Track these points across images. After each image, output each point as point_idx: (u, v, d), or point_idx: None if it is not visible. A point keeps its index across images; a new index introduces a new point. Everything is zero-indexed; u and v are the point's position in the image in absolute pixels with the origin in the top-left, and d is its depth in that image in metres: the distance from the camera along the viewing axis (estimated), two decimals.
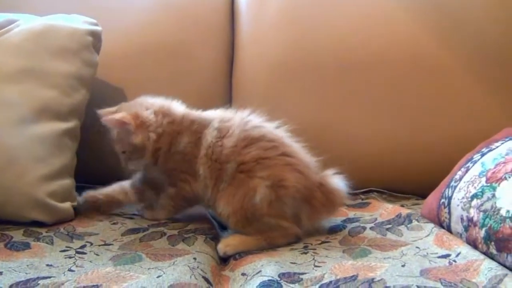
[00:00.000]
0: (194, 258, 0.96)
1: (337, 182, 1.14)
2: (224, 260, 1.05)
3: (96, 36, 1.36)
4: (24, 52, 1.26)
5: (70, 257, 0.99)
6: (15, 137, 1.17)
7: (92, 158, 1.40)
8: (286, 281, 0.88)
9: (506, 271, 0.87)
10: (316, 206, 1.11)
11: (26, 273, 0.90)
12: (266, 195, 1.06)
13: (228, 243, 1.07)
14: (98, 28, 1.38)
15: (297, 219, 1.10)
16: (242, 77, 1.56)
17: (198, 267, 0.93)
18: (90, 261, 0.97)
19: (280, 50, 1.54)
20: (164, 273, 0.90)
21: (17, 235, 1.08)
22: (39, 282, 0.87)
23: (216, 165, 1.12)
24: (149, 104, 1.20)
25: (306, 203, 1.10)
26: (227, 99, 1.55)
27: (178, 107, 1.23)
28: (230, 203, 1.09)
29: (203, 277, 0.90)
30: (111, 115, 1.16)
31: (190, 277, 0.88)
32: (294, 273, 0.92)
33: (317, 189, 1.12)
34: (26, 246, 1.03)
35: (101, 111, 1.19)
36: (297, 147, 1.15)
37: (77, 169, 1.28)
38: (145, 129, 1.15)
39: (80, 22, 1.35)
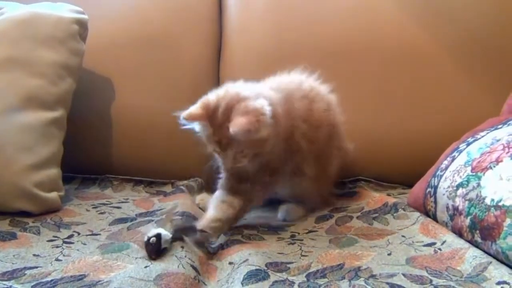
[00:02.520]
0: (182, 247, 0.96)
1: None
2: (212, 250, 1.05)
3: (82, 25, 1.35)
4: (9, 41, 1.25)
5: (57, 247, 0.99)
6: (1, 126, 1.16)
7: (79, 147, 1.39)
8: (273, 270, 0.89)
9: (490, 259, 0.88)
10: None
11: (12, 263, 0.90)
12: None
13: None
14: (85, 16, 1.37)
15: None
16: (230, 66, 1.56)
17: (185, 256, 0.93)
18: (77, 250, 0.97)
19: (268, 39, 1.54)
20: (151, 263, 0.90)
21: (3, 225, 1.08)
22: (25, 272, 0.87)
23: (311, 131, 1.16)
24: (252, 93, 1.08)
25: None
26: (215, 88, 1.54)
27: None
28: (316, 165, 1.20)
29: (191, 265, 0.90)
30: (234, 124, 1.00)
31: (178, 266, 0.88)
32: (281, 263, 0.92)
33: None
34: (13, 236, 1.03)
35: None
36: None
37: (63, 159, 1.28)
38: (265, 121, 1.03)
39: (66, 11, 1.34)
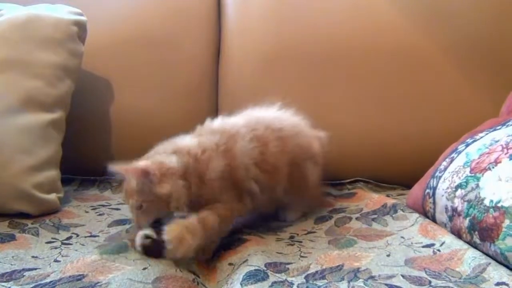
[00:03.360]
0: None
1: None
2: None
3: (81, 26, 1.35)
4: (8, 42, 1.25)
5: (55, 248, 0.98)
6: (0, 128, 1.16)
7: (78, 149, 1.39)
8: (272, 271, 0.89)
9: (489, 260, 0.88)
10: None
11: (11, 265, 0.90)
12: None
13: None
14: (83, 18, 1.37)
15: None
16: (228, 67, 1.56)
17: (183, 260, 0.93)
18: (76, 250, 0.97)
19: (267, 41, 1.54)
20: (150, 265, 0.90)
21: (2, 226, 1.08)
22: (24, 273, 0.87)
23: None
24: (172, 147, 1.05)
25: None
26: (214, 90, 1.55)
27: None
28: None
29: (188, 269, 0.90)
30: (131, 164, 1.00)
31: (176, 270, 0.88)
32: (281, 263, 0.92)
33: None
34: (12, 237, 1.03)
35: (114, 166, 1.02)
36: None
37: (62, 160, 1.27)
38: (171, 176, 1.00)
39: (65, 12, 1.34)
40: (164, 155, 1.03)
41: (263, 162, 1.08)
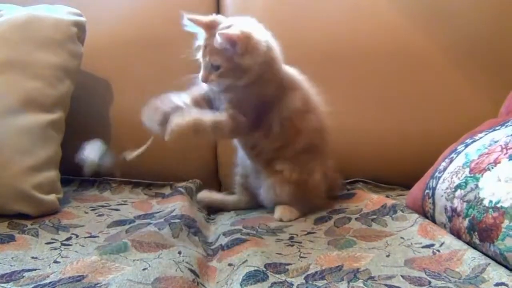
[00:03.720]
0: (179, 252, 0.96)
1: None
2: (212, 252, 1.05)
3: (80, 27, 1.35)
4: (8, 43, 1.25)
5: (55, 249, 0.98)
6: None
7: (77, 150, 1.39)
8: (272, 272, 0.89)
9: (488, 260, 0.88)
10: None
11: (10, 265, 0.90)
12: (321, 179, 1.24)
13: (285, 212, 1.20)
14: (83, 19, 1.37)
15: None
16: None
17: (183, 260, 0.93)
18: (76, 251, 0.97)
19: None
20: (149, 265, 0.90)
21: (2, 227, 1.08)
22: (24, 274, 0.87)
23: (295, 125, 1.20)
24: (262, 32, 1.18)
25: None
26: None
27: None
28: (293, 172, 1.21)
29: (189, 269, 0.90)
30: (221, 32, 1.10)
31: (176, 270, 0.88)
32: (280, 264, 0.92)
33: None
34: (11, 238, 1.02)
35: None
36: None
37: (62, 161, 1.27)
38: (255, 53, 1.13)
39: (64, 13, 1.34)
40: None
41: (298, 114, 1.20)
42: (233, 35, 1.08)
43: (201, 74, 1.16)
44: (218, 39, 1.08)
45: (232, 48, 1.09)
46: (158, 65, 1.52)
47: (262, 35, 1.15)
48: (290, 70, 1.23)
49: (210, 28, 1.14)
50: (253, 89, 1.16)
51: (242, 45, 1.09)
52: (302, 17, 1.54)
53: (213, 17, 1.17)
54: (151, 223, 1.11)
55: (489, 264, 0.86)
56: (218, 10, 1.62)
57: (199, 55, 1.16)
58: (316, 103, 1.23)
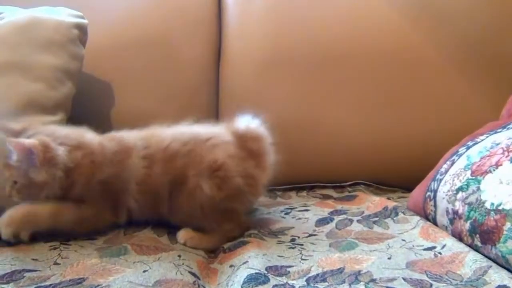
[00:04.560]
0: (179, 256, 0.96)
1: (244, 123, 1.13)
2: (212, 253, 1.05)
3: (82, 29, 1.35)
4: (9, 45, 1.24)
5: (55, 248, 0.98)
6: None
7: None
8: (273, 274, 0.88)
9: (490, 263, 0.88)
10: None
11: (11, 265, 0.90)
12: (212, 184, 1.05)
13: (191, 236, 1.06)
14: (84, 21, 1.37)
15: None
16: (229, 70, 1.56)
17: (183, 263, 0.93)
18: (75, 251, 0.97)
19: (267, 44, 1.54)
20: (150, 268, 0.90)
21: None
22: (24, 274, 0.87)
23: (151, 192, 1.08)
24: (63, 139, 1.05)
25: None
26: (214, 92, 1.55)
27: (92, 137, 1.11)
28: (183, 210, 1.07)
29: (189, 272, 0.90)
30: (18, 137, 1.01)
31: (176, 273, 0.88)
32: (281, 266, 0.92)
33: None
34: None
35: (9, 128, 1.06)
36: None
37: None
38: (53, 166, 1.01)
39: (66, 15, 1.34)
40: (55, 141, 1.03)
41: (145, 183, 1.08)
42: (27, 145, 0.99)
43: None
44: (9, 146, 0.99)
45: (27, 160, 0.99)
46: (159, 67, 1.52)
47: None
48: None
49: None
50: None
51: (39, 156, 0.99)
52: (302, 19, 1.54)
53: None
54: (149, 224, 1.12)
55: (490, 266, 0.86)
56: (219, 13, 1.63)
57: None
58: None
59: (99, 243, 1.03)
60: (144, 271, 0.88)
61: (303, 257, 0.97)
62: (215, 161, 1.06)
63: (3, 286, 0.83)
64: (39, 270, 0.89)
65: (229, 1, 1.62)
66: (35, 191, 1.02)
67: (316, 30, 1.52)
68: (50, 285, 0.83)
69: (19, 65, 1.23)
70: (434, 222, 1.10)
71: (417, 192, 1.20)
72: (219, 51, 1.60)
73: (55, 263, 0.92)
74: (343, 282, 0.85)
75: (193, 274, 0.90)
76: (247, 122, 1.13)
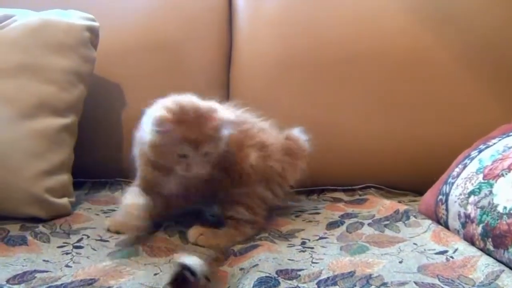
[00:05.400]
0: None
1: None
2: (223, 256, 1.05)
3: (93, 32, 1.36)
4: (21, 48, 1.25)
5: (67, 253, 0.98)
6: (12, 133, 1.17)
7: (89, 152, 1.40)
8: (284, 278, 0.88)
9: (502, 267, 0.87)
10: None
11: (22, 266, 0.90)
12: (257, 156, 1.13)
13: (202, 231, 1.09)
14: (96, 23, 1.37)
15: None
16: (239, 75, 1.56)
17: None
18: (87, 257, 0.97)
19: (277, 47, 1.54)
20: (161, 270, 0.90)
21: (14, 230, 1.08)
22: (36, 275, 0.87)
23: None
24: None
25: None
26: (225, 95, 1.55)
27: None
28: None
29: (200, 273, 0.90)
30: (221, 115, 1.02)
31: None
32: (292, 270, 0.92)
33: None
34: (23, 240, 1.03)
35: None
36: None
37: (74, 164, 1.28)
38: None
39: (77, 18, 1.35)
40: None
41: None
42: (233, 116, 1.05)
43: (191, 170, 1.02)
44: (221, 123, 1.02)
45: (232, 125, 1.05)
46: (170, 70, 1.52)
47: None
48: None
49: (180, 119, 1.00)
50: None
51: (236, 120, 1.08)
52: (312, 22, 1.54)
53: (164, 107, 1.02)
54: (161, 225, 1.12)
55: (503, 271, 0.86)
56: (230, 17, 1.63)
57: (180, 155, 1.01)
58: None
59: (111, 245, 1.03)
60: (155, 274, 0.88)
61: (313, 260, 0.96)
62: (264, 140, 1.15)
63: (14, 286, 0.83)
64: (50, 271, 0.89)
65: (239, 5, 1.62)
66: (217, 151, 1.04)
67: (326, 33, 1.52)
68: (61, 284, 0.84)
69: (31, 68, 1.24)
70: (446, 226, 1.09)
71: (429, 195, 1.20)
72: (229, 54, 1.60)
73: (67, 266, 0.92)
74: (354, 285, 0.85)
75: (205, 276, 0.90)
76: (293, 130, 1.26)
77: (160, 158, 1.03)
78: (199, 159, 1.01)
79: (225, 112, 1.04)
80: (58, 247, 1.02)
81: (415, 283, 0.84)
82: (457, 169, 1.14)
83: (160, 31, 1.56)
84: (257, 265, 0.92)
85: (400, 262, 0.93)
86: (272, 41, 1.55)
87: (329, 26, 1.53)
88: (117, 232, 1.09)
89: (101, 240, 1.06)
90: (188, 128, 0.99)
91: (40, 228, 1.10)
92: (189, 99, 1.04)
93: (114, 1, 1.61)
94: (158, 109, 1.01)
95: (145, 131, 1.02)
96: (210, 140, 1.01)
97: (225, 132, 1.03)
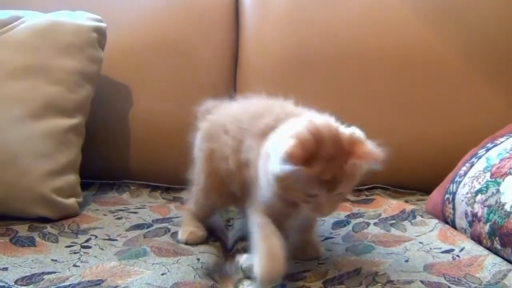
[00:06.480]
0: (198, 259, 0.96)
1: None
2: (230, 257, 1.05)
3: (100, 33, 1.37)
4: (29, 49, 1.26)
5: (75, 253, 0.99)
6: (20, 133, 1.18)
7: (97, 153, 1.40)
8: (289, 279, 0.88)
9: (510, 266, 0.87)
10: None
11: (31, 268, 0.91)
12: None
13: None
14: (103, 24, 1.38)
15: None
16: (246, 73, 1.56)
17: (202, 266, 0.93)
18: (95, 256, 0.97)
19: (284, 47, 1.54)
20: (168, 270, 0.90)
21: (23, 230, 1.09)
22: (44, 277, 0.88)
23: None
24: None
25: None
26: (232, 97, 1.55)
27: None
28: None
29: (207, 274, 0.91)
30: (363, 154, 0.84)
31: (194, 276, 0.89)
32: (298, 272, 0.91)
33: None
34: (32, 241, 1.04)
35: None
36: None
37: (82, 165, 1.29)
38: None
39: (85, 19, 1.36)
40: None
41: None
42: (375, 154, 0.86)
43: (323, 211, 0.86)
44: (364, 164, 0.85)
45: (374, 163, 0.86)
46: (177, 70, 1.52)
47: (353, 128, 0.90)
48: None
49: (316, 155, 0.80)
50: None
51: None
52: (319, 21, 1.54)
53: (298, 139, 0.80)
54: (169, 230, 1.13)
55: (510, 270, 0.86)
56: (236, 17, 1.63)
57: (312, 194, 0.83)
58: None
59: (119, 245, 1.04)
60: (163, 274, 0.88)
61: (319, 261, 0.96)
62: None
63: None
64: (58, 272, 0.90)
65: (246, 4, 1.63)
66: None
67: (333, 33, 1.52)
68: (69, 285, 0.84)
69: (39, 69, 1.24)
70: (453, 225, 1.09)
71: (436, 194, 1.19)
72: (236, 54, 1.60)
73: (75, 265, 0.93)
74: (360, 284, 0.85)
75: (212, 277, 0.90)
76: None
77: (286, 193, 0.84)
78: (331, 200, 0.84)
79: (369, 145, 0.86)
80: (66, 246, 1.02)
81: (421, 282, 0.84)
82: (464, 168, 1.13)
83: (166, 31, 1.56)
84: None
85: (406, 261, 0.93)
86: (279, 39, 1.55)
87: (336, 26, 1.53)
88: None
89: (109, 239, 1.07)
90: (324, 167, 0.80)
91: (49, 229, 1.11)
92: (327, 126, 0.85)
93: (121, 1, 1.61)
94: (289, 139, 0.81)
95: (270, 161, 0.83)
96: (348, 180, 0.83)
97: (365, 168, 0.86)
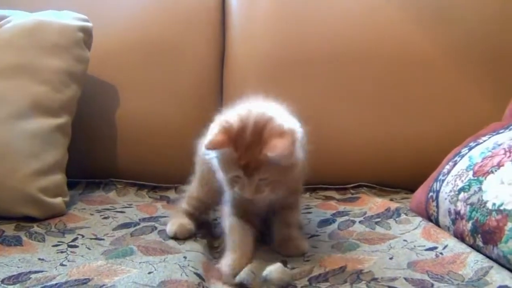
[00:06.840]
0: (185, 257, 0.97)
1: None
2: (218, 255, 1.06)
3: (87, 32, 1.37)
4: (15, 48, 1.26)
5: (62, 252, 0.99)
6: (6, 133, 1.17)
7: (84, 153, 1.40)
8: None
9: (491, 263, 0.88)
10: None
11: (18, 267, 0.91)
12: None
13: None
14: (89, 24, 1.38)
15: None
16: (233, 73, 1.57)
17: (188, 265, 0.93)
18: (82, 256, 0.97)
19: (271, 46, 1.55)
20: (155, 269, 0.90)
21: (9, 230, 1.09)
22: (30, 276, 0.88)
23: None
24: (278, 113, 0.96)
25: None
26: (219, 94, 1.56)
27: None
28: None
29: (194, 273, 0.91)
30: (272, 147, 0.88)
31: (181, 274, 0.89)
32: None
33: None
34: (18, 241, 1.04)
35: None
36: None
37: (68, 164, 1.29)
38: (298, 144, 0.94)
39: (71, 18, 1.36)
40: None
41: None
42: (286, 149, 0.88)
43: (246, 193, 0.93)
44: (272, 157, 0.88)
45: (285, 157, 0.90)
46: (164, 69, 1.53)
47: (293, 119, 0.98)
48: None
49: (236, 141, 0.90)
50: None
51: (291, 149, 0.90)
52: (306, 21, 1.54)
53: (225, 124, 0.92)
54: (156, 228, 1.13)
55: (492, 267, 0.87)
56: (223, 15, 1.63)
57: (233, 175, 0.93)
58: None
59: (106, 244, 1.04)
60: (149, 272, 0.89)
61: (305, 258, 0.97)
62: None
63: (9, 287, 0.84)
64: (45, 271, 0.90)
65: (233, 4, 1.63)
66: (284, 176, 0.94)
67: (320, 32, 1.53)
68: (56, 284, 0.84)
69: (25, 68, 1.24)
70: (437, 223, 1.10)
71: (420, 192, 1.21)
72: (223, 53, 1.61)
73: (62, 265, 0.93)
74: (345, 281, 0.86)
75: (198, 275, 0.91)
76: None
77: (222, 175, 0.95)
78: (252, 183, 0.91)
79: (288, 140, 0.89)
80: (53, 245, 1.03)
81: (405, 279, 0.86)
82: (447, 167, 1.15)
83: (153, 30, 1.56)
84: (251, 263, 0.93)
85: (391, 258, 0.95)
86: (266, 40, 1.56)
87: (323, 26, 1.54)
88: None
89: (96, 239, 1.07)
90: (241, 153, 0.90)
91: (35, 228, 1.11)
92: (259, 116, 0.92)
93: (107, 1, 1.61)
94: (215, 126, 0.92)
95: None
96: (268, 168, 0.90)
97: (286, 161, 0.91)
